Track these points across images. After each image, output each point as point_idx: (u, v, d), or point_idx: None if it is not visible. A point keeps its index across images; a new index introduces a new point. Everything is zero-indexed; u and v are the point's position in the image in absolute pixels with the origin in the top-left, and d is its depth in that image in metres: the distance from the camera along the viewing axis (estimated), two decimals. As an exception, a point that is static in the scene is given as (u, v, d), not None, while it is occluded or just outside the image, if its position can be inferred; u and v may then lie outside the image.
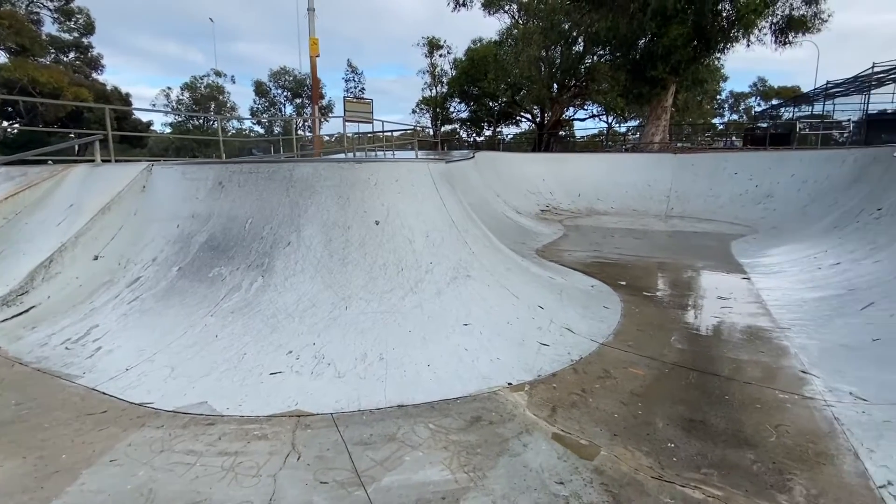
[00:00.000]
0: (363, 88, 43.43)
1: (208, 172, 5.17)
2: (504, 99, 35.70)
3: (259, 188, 4.56)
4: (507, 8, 28.79)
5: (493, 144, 37.42)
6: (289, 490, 2.19)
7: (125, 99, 36.23)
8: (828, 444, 2.52)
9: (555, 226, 10.24)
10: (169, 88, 43.95)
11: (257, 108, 45.75)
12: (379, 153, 12.96)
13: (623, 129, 40.80)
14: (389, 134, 13.11)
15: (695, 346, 3.84)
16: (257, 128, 48.59)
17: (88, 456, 2.46)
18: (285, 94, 45.72)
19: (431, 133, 41.26)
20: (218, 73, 44.26)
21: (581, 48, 26.64)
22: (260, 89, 45.02)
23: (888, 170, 7.31)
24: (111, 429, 2.71)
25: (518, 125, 40.65)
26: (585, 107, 37.05)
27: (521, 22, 30.33)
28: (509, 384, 3.15)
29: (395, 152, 15.73)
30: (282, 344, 3.39)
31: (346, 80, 42.84)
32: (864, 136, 18.60)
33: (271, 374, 3.16)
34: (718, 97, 43.96)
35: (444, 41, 40.58)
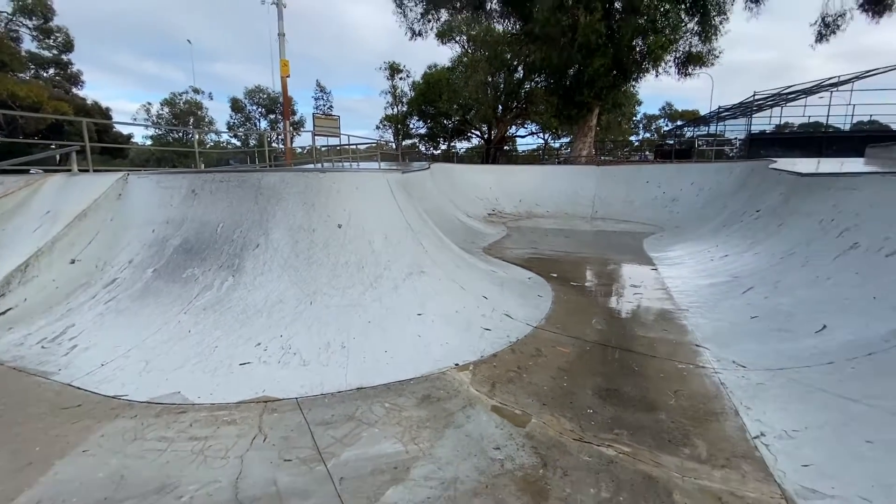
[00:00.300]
0: (331, 106, 42.56)
1: (182, 181, 4.90)
2: (456, 118, 35.87)
3: (230, 195, 4.36)
4: (457, 39, 28.90)
5: (449, 157, 37.49)
6: (255, 469, 2.10)
7: (105, 113, 33.82)
8: (715, 405, 2.68)
9: (500, 227, 10.36)
10: (149, 104, 41.54)
11: (233, 123, 43.89)
12: (346, 164, 12.71)
13: (557, 145, 41.90)
14: (355, 147, 12.88)
15: (612, 327, 3.98)
16: (234, 140, 46.61)
17: (62, 448, 2.28)
18: (260, 110, 44.10)
19: (394, 147, 40.93)
20: (196, 91, 42.19)
21: (521, 75, 27.13)
22: (236, 105, 43.21)
23: (764, 179, 7.84)
24: (85, 421, 2.52)
25: (469, 140, 40.94)
26: (526, 125, 37.76)
27: (469, 51, 30.56)
28: (456, 365, 3.16)
29: (360, 163, 15.49)
30: (251, 337, 3.26)
31: (316, 99, 41.84)
32: (747, 152, 19.89)
33: (241, 364, 3.04)
34: (634, 118, 45.83)
35: (404, 66, 40.25)
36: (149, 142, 40.85)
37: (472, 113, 31.62)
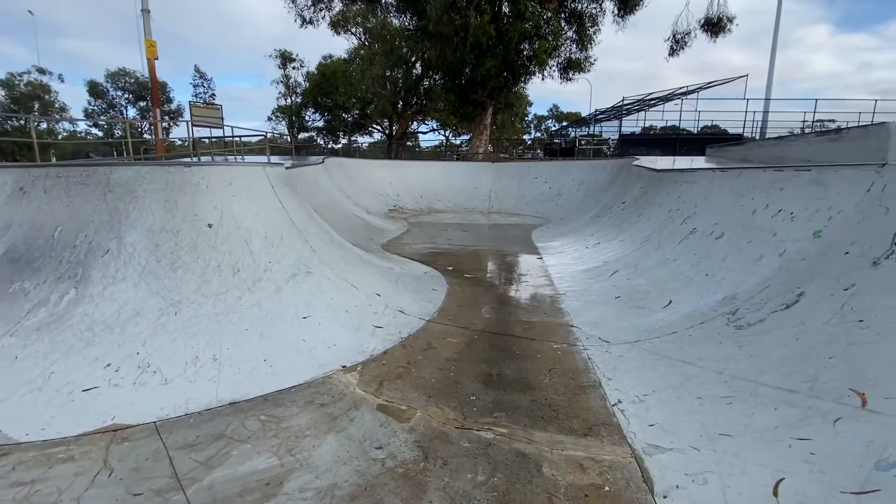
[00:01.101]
0: (213, 94, 38.78)
1: (6, 177, 4.06)
2: (356, 111, 34.98)
3: (70, 193, 3.70)
4: (353, 30, 28.10)
5: (350, 152, 36.47)
6: (92, 511, 1.80)
7: None
8: (583, 379, 2.94)
9: (400, 223, 10.33)
10: (-25, 85, 33.88)
11: (93, 110, 37.78)
12: (231, 158, 11.63)
13: (458, 142, 43.07)
14: (238, 139, 11.83)
15: (499, 314, 4.18)
16: (95, 130, 40.17)
17: None
18: (126, 96, 38.54)
19: (289, 140, 38.62)
20: (41, 71, 35.43)
21: (420, 72, 27.29)
22: (95, 90, 37.19)
23: (629, 175, 8.85)
24: None
25: (371, 135, 40.21)
26: (426, 122, 38.19)
27: (367, 44, 29.93)
28: (344, 367, 3.06)
29: (247, 158, 14.27)
30: (98, 357, 2.80)
31: (195, 86, 37.80)
32: (620, 151, 22.36)
33: (84, 390, 2.59)
34: (526, 119, 48.92)
35: (297, 55, 38.10)
36: (-25, 130, 33.46)
37: (372, 107, 31.05)
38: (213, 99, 38.20)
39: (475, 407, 2.58)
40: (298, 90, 37.19)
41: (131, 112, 39.25)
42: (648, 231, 5.72)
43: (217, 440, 2.25)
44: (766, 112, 21.77)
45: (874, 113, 20.80)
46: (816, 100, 20.15)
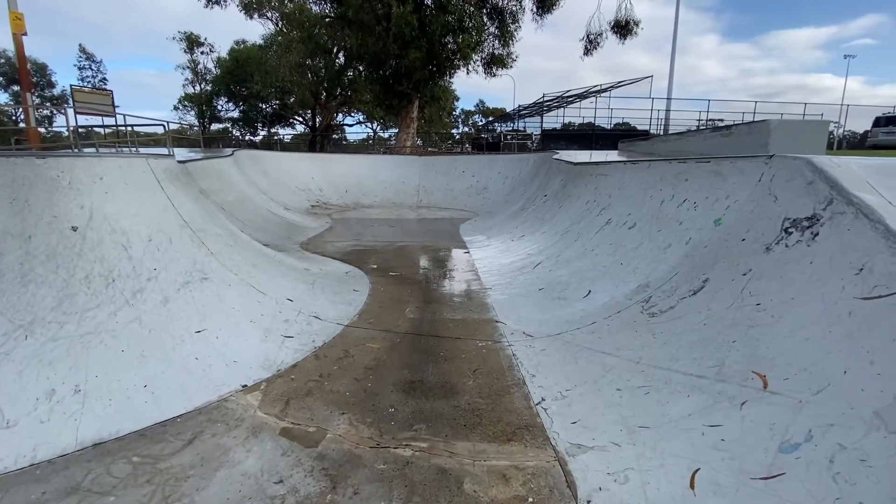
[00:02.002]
0: (104, 79, 34.53)
1: None
2: (275, 102, 32.92)
3: None
4: (269, 14, 26.25)
5: (270, 144, 34.41)
6: None
7: None
8: (507, 378, 2.83)
9: (323, 220, 9.77)
10: None
11: (-52, 94, 31.92)
12: (125, 150, 10.22)
13: (387, 135, 42.27)
14: (132, 129, 10.41)
15: (424, 313, 3.98)
16: (-47, 118, 33.96)
17: None
18: (-4, 78, 33.05)
19: (200, 131, 35.45)
20: None
21: (343, 62, 26.22)
22: (-49, 70, 31.42)
23: (550, 168, 9.09)
24: None
25: (294, 127, 38.09)
26: (353, 114, 36.98)
27: (285, 30, 28.15)
28: (244, 386, 2.68)
29: (142, 150, 12.70)
30: None
31: (81, 69, 33.39)
32: (542, 145, 23.21)
33: None
34: (454, 113, 49.27)
35: (206, 39, 35.01)
36: None
37: (292, 98, 29.39)
38: (105, 84, 33.98)
39: (394, 420, 2.36)
40: (209, 77, 34.18)
41: (2, 97, 33.76)
42: (568, 222, 5.84)
43: (69, 495, 1.81)
44: (667, 111, 23.83)
45: (754, 113, 23.73)
46: (709, 100, 22.33)
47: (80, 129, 11.45)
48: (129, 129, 9.85)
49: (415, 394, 2.63)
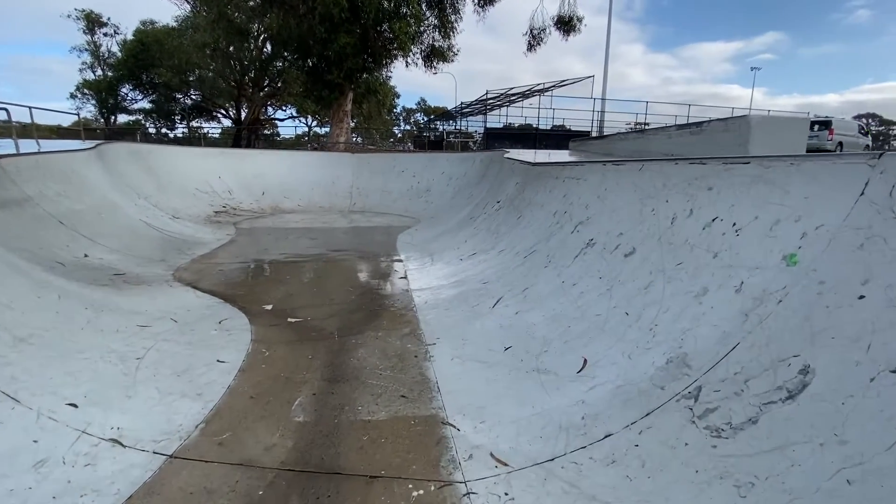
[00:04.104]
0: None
1: None
2: (195, 93, 29.22)
3: None
4: (181, -8, 22.88)
5: (192, 140, 30.71)
6: None
7: None
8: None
9: (225, 230, 7.75)
10: None
11: None
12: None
13: (323, 131, 39.39)
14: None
15: (325, 410, 2.38)
16: None
17: None
18: None
19: (103, 122, 30.78)
20: None
21: (271, 50, 23.50)
22: None
23: (501, 168, 7.77)
24: None
25: (219, 121, 34.21)
26: (284, 108, 33.93)
27: (203, 12, 24.77)
28: None
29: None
30: None
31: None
32: (486, 144, 22.17)
33: None
34: (395, 111, 47.32)
35: (109, 19, 30.48)
36: None
37: (204, 84, 26.05)
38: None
39: None
40: (112, 62, 29.59)
41: None
42: (532, 239, 4.49)
43: None
44: (602, 112, 23.83)
45: (676, 116, 24.49)
46: (647, 102, 22.47)
47: None
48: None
49: None
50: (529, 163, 6.07)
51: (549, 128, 25.46)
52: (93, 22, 30.90)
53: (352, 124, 24.66)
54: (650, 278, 2.74)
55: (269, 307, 3.92)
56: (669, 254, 2.76)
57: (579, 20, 16.77)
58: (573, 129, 24.83)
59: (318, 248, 6.56)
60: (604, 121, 24.13)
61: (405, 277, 4.98)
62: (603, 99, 23.48)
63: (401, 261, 5.77)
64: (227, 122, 34.20)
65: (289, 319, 3.65)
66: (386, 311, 3.91)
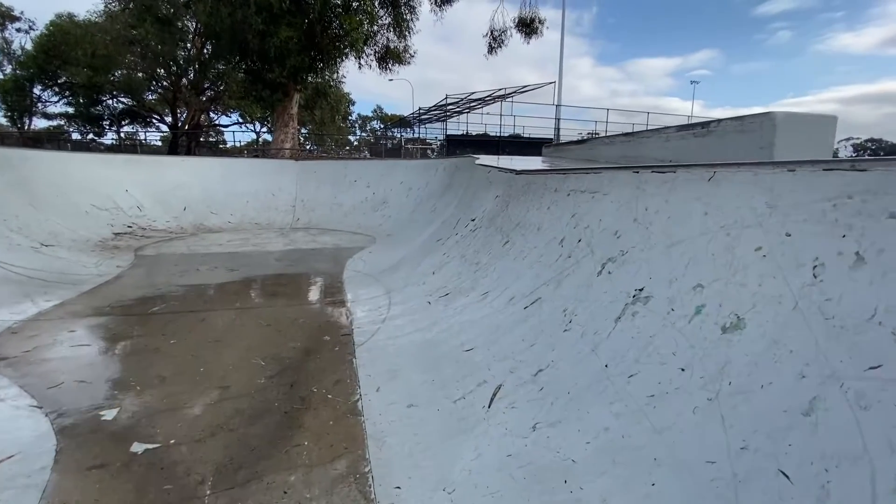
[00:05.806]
0: None
1: None
2: (124, 96, 26.10)
3: None
4: (102, -18, 20.10)
5: (123, 148, 27.52)
6: None
7: None
8: None
9: (120, 259, 5.88)
10: None
11: None
12: None
13: (272, 138, 36.74)
14: None
15: None
16: None
17: None
18: None
19: (16, 127, 26.95)
20: None
21: (210, 51, 21.13)
22: None
23: (472, 177, 6.43)
24: None
25: (157, 127, 30.88)
26: (229, 113, 31.22)
27: (130, 6, 21.94)
28: None
29: None
30: None
31: None
32: (446, 151, 20.95)
33: None
34: (350, 118, 45.31)
35: (23, 13, 26.90)
36: None
37: (137, 89, 23.26)
38: None
39: None
40: (22, 59, 25.89)
41: None
42: (532, 279, 3.12)
43: None
44: (558, 119, 23.38)
45: (622, 124, 24.65)
46: (608, 109, 22.13)
47: None
48: None
49: None
50: (512, 170, 4.73)
51: (507, 135, 24.69)
52: (2, 16, 27.16)
53: (302, 130, 22.67)
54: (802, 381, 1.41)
55: (110, 415, 2.28)
56: (827, 334, 1.44)
57: (541, 22, 15.96)
58: (532, 136, 24.18)
59: (235, 287, 4.87)
60: (559, 129, 23.70)
61: (349, 334, 3.45)
62: (558, 105, 22.97)
63: (347, 303, 4.23)
64: (165, 128, 30.97)
65: (132, 449, 2.03)
66: (311, 411, 2.38)
